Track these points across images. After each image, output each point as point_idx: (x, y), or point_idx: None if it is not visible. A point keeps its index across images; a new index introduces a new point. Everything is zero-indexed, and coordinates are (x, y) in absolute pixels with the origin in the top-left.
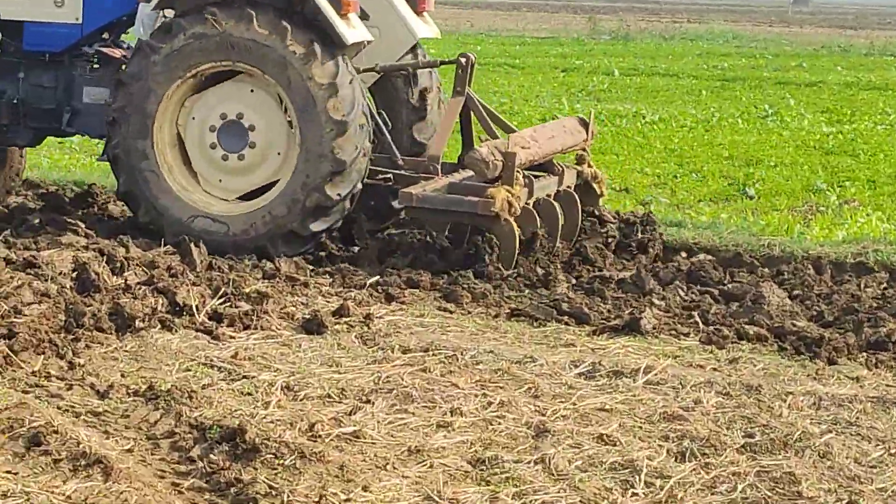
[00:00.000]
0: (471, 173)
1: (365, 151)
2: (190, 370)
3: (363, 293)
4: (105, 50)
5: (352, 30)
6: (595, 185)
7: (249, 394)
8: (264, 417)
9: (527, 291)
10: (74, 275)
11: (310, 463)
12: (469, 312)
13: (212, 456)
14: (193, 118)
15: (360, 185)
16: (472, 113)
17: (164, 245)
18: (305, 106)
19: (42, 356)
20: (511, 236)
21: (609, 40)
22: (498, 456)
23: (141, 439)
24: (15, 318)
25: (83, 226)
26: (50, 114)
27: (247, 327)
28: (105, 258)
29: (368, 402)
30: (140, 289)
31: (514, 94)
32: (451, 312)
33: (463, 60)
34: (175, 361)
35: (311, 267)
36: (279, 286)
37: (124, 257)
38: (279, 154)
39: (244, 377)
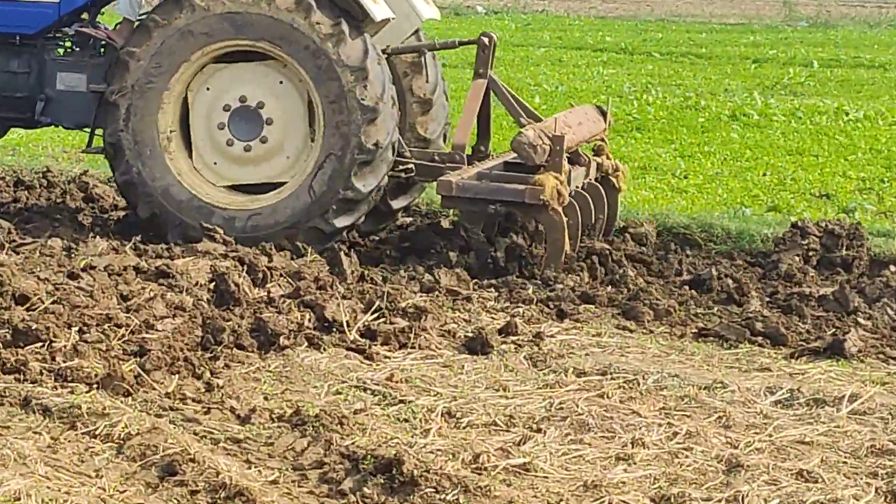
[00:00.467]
0: (495, 162)
1: (393, 141)
2: (340, 393)
3: (532, 309)
4: (86, 30)
5: (377, 6)
6: (614, 179)
7: (406, 420)
8: (423, 447)
9: (715, 308)
10: (212, 286)
11: (474, 498)
12: (651, 331)
13: (365, 489)
14: (208, 89)
15: (386, 178)
16: (490, 98)
17: (311, 254)
18: (332, 90)
19: (176, 376)
20: (561, 228)
21: (807, 27)
22: (685, 493)
23: (286, 469)
24: (147, 333)
25: (221, 232)
26: (21, 102)
27: (403, 346)
28: (245, 267)
29: (539, 430)
30: (285, 302)
31: (700, 88)
32: (631, 331)
33: (485, 40)
34: (324, 383)
35: (474, 279)
36: (439, 300)
37: (267, 266)
38: (287, 158)
39: (400, 402)
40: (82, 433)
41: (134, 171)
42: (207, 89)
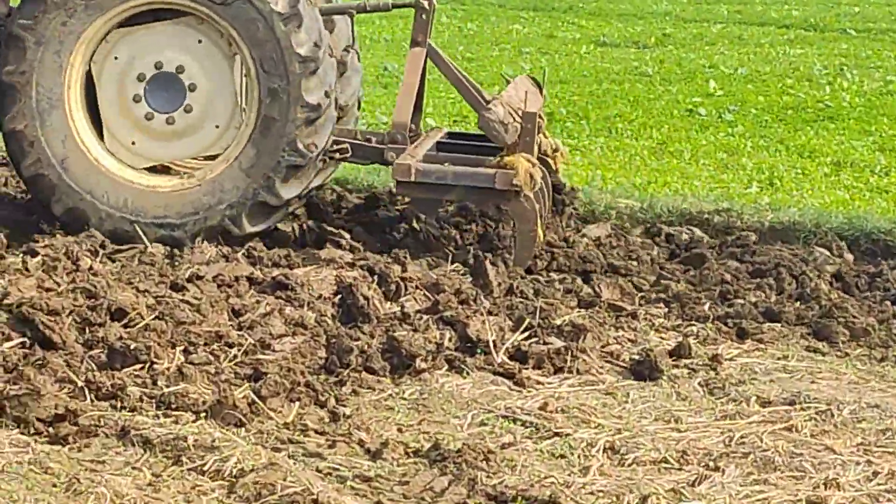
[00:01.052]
0: (431, 142)
1: (333, 98)
2: (486, 424)
3: (708, 327)
4: None
5: None
6: (552, 161)
7: (563, 456)
8: (582, 487)
9: None
10: (337, 299)
11: None
12: (847, 354)
13: None
14: (116, 58)
15: (330, 139)
16: (426, 69)
17: (452, 263)
18: (261, 41)
19: (297, 404)
20: (533, 217)
21: None
22: None
23: None
24: (262, 354)
25: (348, 237)
26: None
27: (559, 370)
28: (376, 278)
29: (717, 469)
30: (421, 318)
31: None
32: (823, 354)
33: (424, 3)
34: (467, 413)
35: (640, 293)
36: (599, 317)
37: (400, 277)
38: (217, 127)
39: (556, 435)
40: (188, 469)
41: (43, 162)
42: (116, 59)
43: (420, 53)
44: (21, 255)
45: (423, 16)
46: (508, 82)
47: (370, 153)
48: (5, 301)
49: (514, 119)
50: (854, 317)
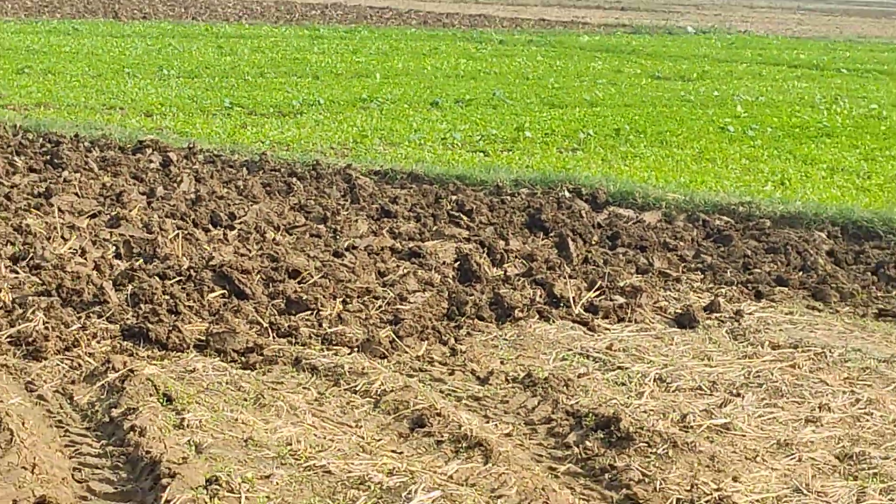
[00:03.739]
0: None
1: None
2: (566, 359)
3: (734, 290)
4: None
5: None
6: None
7: (623, 384)
8: (638, 407)
9: (894, 293)
10: (457, 265)
11: (682, 453)
12: (837, 311)
13: (587, 443)
14: None
15: None
16: None
17: (542, 239)
18: None
19: (426, 342)
20: None
21: None
22: (865, 452)
23: (519, 424)
24: (400, 305)
25: (465, 219)
26: None
27: (621, 320)
28: (486, 250)
29: (738, 395)
30: (519, 280)
31: (883, 100)
32: (819, 311)
33: None
34: (552, 351)
35: (682, 263)
36: (652, 281)
37: (504, 249)
38: None
39: (618, 368)
40: (344, 389)
41: None
42: None
43: None
44: (222, 229)
45: None
46: None
47: None
48: (210, 262)
49: None
50: (843, 283)
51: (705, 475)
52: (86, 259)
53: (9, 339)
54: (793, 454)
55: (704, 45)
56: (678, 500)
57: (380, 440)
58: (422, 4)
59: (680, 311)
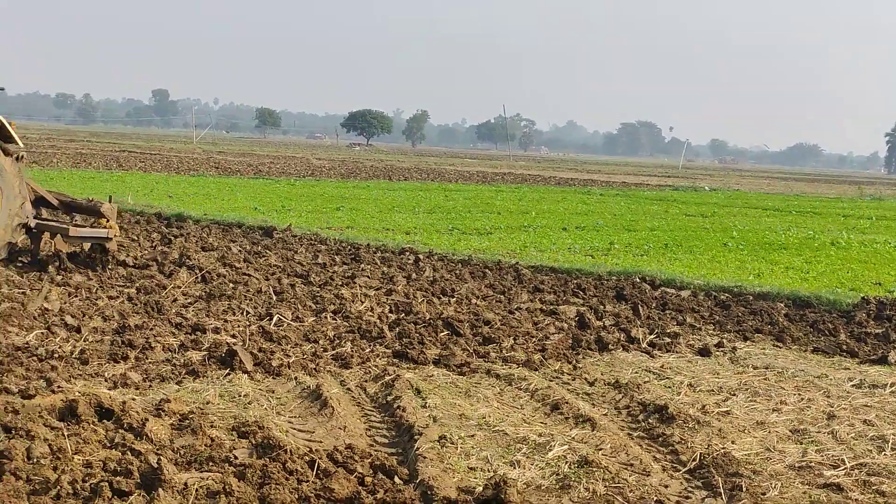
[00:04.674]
0: None
1: None
2: (637, 373)
3: (731, 335)
4: None
5: None
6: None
7: (669, 388)
8: (677, 401)
9: (821, 338)
10: (576, 319)
11: (702, 427)
12: (790, 348)
13: (649, 420)
14: None
15: None
16: None
17: (624, 305)
18: None
19: (559, 362)
20: None
21: (870, 199)
22: (807, 429)
23: (611, 409)
24: (545, 341)
25: (581, 293)
26: None
27: (668, 351)
28: (593, 311)
29: (734, 395)
30: (611, 328)
31: (817, 229)
32: (780, 348)
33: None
34: (629, 368)
35: (702, 320)
36: (685, 329)
37: (603, 311)
38: None
39: (666, 378)
40: (514, 387)
41: None
42: None
43: None
44: (447, 297)
45: None
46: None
47: None
48: (441, 315)
49: None
50: (793, 332)
51: (716, 440)
52: (373, 313)
53: (331, 357)
54: (765, 429)
55: (714, 196)
56: (700, 454)
57: (534, 416)
58: (556, 173)
59: (701, 346)
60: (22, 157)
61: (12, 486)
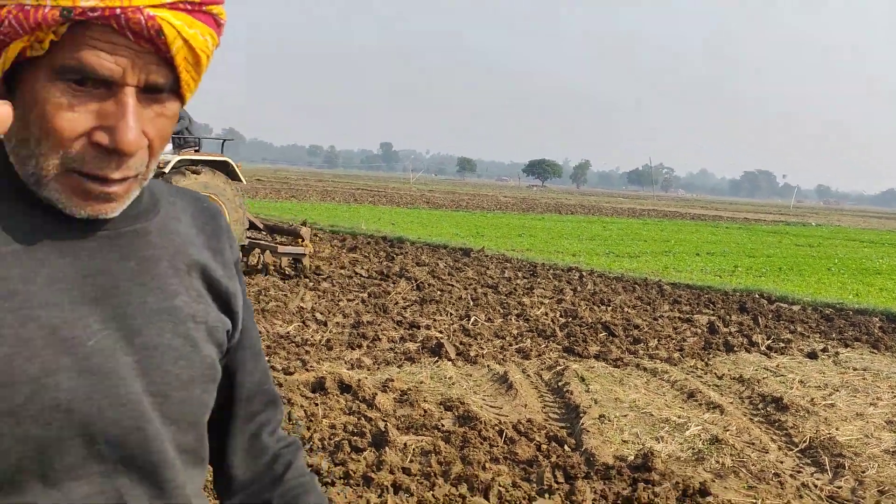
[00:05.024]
0: None
1: None
2: (757, 371)
3: (834, 342)
4: None
5: None
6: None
7: (783, 383)
8: (791, 394)
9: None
10: (707, 326)
11: (811, 415)
12: (884, 354)
13: (767, 408)
14: None
15: None
16: None
17: (746, 316)
18: None
19: (694, 359)
20: None
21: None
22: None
23: (736, 398)
24: (682, 342)
25: (711, 305)
26: None
27: (782, 353)
28: (721, 320)
29: (837, 390)
30: (736, 333)
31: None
32: (875, 354)
33: None
34: (750, 366)
35: (810, 328)
36: (796, 336)
37: (729, 320)
38: None
39: (781, 376)
40: (657, 379)
41: None
42: None
43: None
44: (604, 306)
45: None
46: None
47: None
48: (600, 320)
49: None
50: (887, 341)
51: (822, 426)
52: (547, 317)
53: (515, 350)
54: (864, 420)
55: (819, 231)
56: (810, 437)
57: (673, 402)
58: (690, 210)
59: (809, 351)
60: (242, 190)
61: None
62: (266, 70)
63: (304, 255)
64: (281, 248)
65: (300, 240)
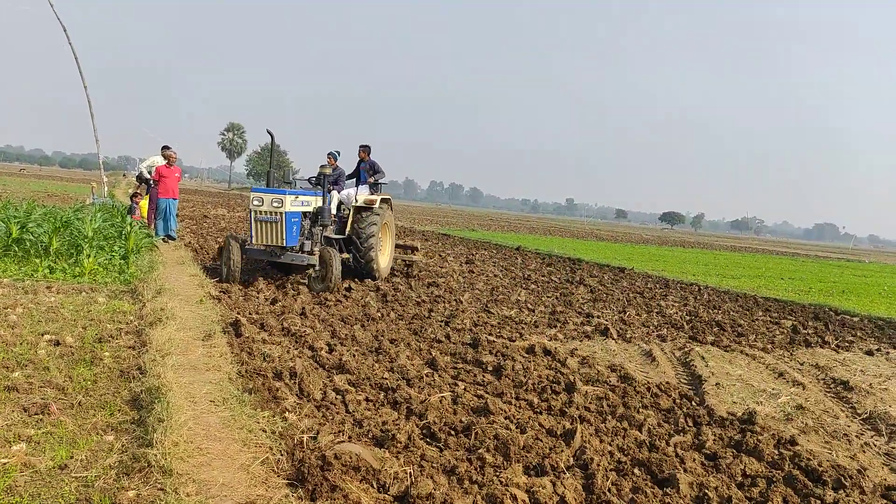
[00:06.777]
0: None
1: None
2: (828, 362)
3: (884, 344)
4: None
5: None
6: None
7: (848, 371)
8: (854, 380)
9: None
10: (792, 328)
11: (869, 395)
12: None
13: (837, 388)
14: None
15: None
16: None
17: (818, 322)
18: None
19: (781, 350)
20: None
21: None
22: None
23: (812, 380)
24: (772, 339)
25: (789, 318)
26: None
27: (846, 350)
28: (797, 324)
29: (889, 378)
30: (812, 335)
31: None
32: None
33: None
34: (824, 359)
35: (865, 334)
36: (856, 339)
37: (804, 325)
38: None
39: (845, 367)
40: (756, 362)
41: None
42: None
43: None
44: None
45: None
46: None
47: None
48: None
49: None
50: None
51: (879, 404)
52: (677, 315)
53: (656, 336)
54: None
55: (871, 266)
56: (870, 410)
57: (767, 379)
58: (775, 248)
59: (867, 349)
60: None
61: (507, 382)
62: None
63: (416, 260)
64: (417, 257)
65: (415, 251)
